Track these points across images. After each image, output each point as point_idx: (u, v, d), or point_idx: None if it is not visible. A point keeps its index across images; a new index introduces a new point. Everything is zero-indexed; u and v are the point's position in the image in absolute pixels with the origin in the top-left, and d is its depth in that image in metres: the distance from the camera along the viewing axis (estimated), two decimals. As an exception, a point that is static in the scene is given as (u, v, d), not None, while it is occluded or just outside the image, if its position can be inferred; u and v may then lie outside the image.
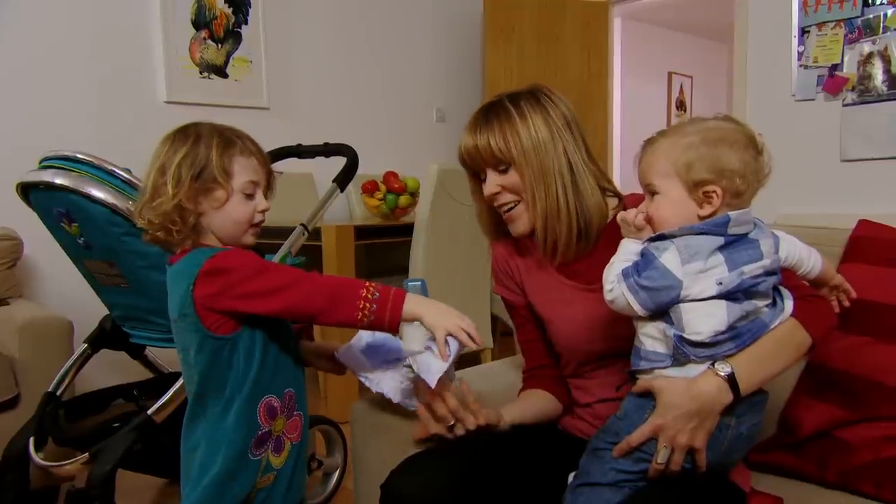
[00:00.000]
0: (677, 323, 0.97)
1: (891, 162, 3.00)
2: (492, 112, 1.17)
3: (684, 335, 0.96)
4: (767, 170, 1.00)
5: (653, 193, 1.01)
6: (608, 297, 1.00)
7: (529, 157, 1.14)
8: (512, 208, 1.19)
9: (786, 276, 1.06)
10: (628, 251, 1.02)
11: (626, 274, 0.99)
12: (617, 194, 1.24)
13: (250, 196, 1.09)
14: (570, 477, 1.06)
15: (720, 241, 0.96)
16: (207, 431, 1.08)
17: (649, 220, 1.01)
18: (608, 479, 1.00)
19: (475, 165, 1.21)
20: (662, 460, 0.97)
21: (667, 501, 0.97)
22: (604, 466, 1.01)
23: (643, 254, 0.99)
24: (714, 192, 0.96)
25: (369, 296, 1.02)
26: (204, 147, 1.05)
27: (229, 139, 1.08)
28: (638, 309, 0.98)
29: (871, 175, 3.05)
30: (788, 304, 1.02)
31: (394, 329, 1.04)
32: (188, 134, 1.07)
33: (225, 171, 1.06)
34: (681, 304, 0.96)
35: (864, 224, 1.33)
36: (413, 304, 1.04)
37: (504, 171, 1.17)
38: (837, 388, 1.22)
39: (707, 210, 0.97)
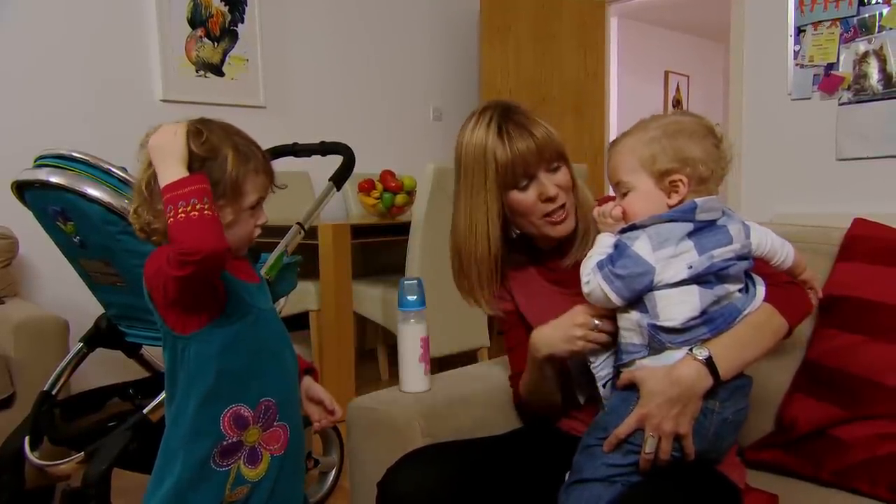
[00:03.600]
0: (651, 311, 0.99)
1: (886, 161, 3.01)
2: (514, 112, 1.16)
3: (658, 323, 0.99)
4: (729, 157, 1.05)
5: (624, 192, 1.05)
6: (585, 289, 1.03)
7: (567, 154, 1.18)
8: (563, 206, 1.18)
9: (761, 266, 1.09)
10: (603, 245, 1.05)
11: (600, 265, 1.02)
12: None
13: (253, 212, 1.05)
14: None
15: (689, 227, 0.99)
16: (165, 437, 1.05)
17: (623, 215, 1.05)
18: (599, 474, 1.00)
19: (529, 171, 1.15)
20: (651, 450, 0.98)
21: (661, 497, 0.97)
22: (595, 462, 1.01)
23: (616, 245, 1.02)
24: (680, 180, 1.01)
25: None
26: (220, 158, 0.99)
27: (245, 154, 1.02)
28: (614, 298, 1.00)
29: (867, 174, 3.06)
30: (760, 290, 1.05)
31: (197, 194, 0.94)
32: (198, 136, 0.99)
33: (238, 189, 1.01)
34: (654, 292, 0.99)
35: (859, 222, 1.33)
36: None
37: (556, 170, 1.17)
38: (833, 387, 1.22)
39: (675, 199, 1.02)
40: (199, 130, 1.00)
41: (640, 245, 0.99)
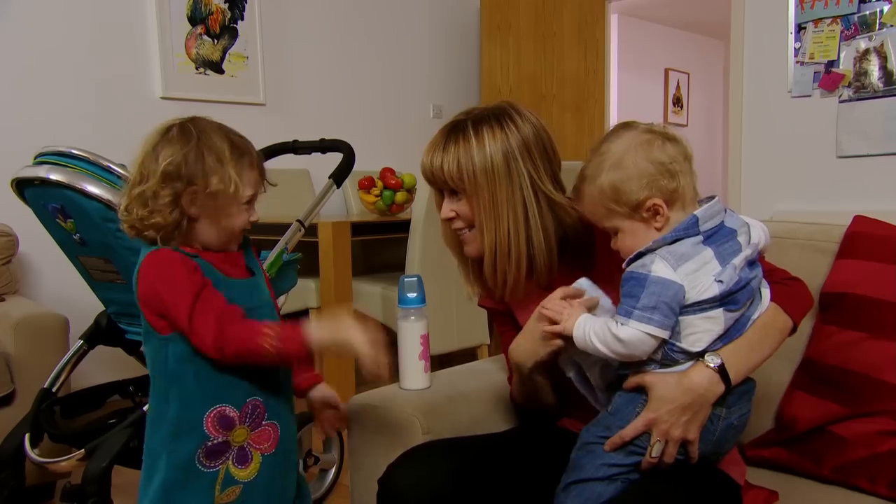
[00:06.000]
0: (674, 334, 0.96)
1: (886, 158, 3.00)
2: (452, 135, 1.13)
3: (682, 346, 0.97)
4: (684, 146, 0.99)
5: (613, 233, 1.02)
6: (624, 349, 0.95)
7: (481, 188, 1.10)
8: (465, 232, 1.17)
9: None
10: (590, 319, 1.00)
11: (625, 313, 0.95)
12: None
13: (248, 206, 1.07)
14: None
15: (699, 238, 0.96)
16: (147, 437, 1.05)
17: (624, 254, 1.01)
18: (600, 473, 1.00)
19: (433, 185, 1.19)
20: (657, 454, 0.98)
21: (662, 495, 0.97)
22: (595, 461, 1.01)
23: (629, 278, 0.97)
24: (654, 204, 0.97)
25: (270, 332, 1.00)
26: (217, 158, 1.01)
27: (241, 149, 1.05)
28: (662, 334, 0.94)
29: (867, 171, 3.05)
30: (766, 293, 1.04)
31: (302, 356, 1.04)
32: (190, 134, 1.01)
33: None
34: (681, 317, 0.96)
35: (859, 220, 1.33)
36: (316, 328, 1.03)
37: (458, 198, 1.15)
38: (833, 384, 1.22)
39: (660, 221, 0.98)
40: (188, 128, 1.02)
41: (659, 267, 0.94)
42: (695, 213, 0.97)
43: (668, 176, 0.96)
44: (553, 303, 1.05)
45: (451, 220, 1.17)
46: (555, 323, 1.04)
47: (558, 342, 1.05)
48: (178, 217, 1.00)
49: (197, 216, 1.02)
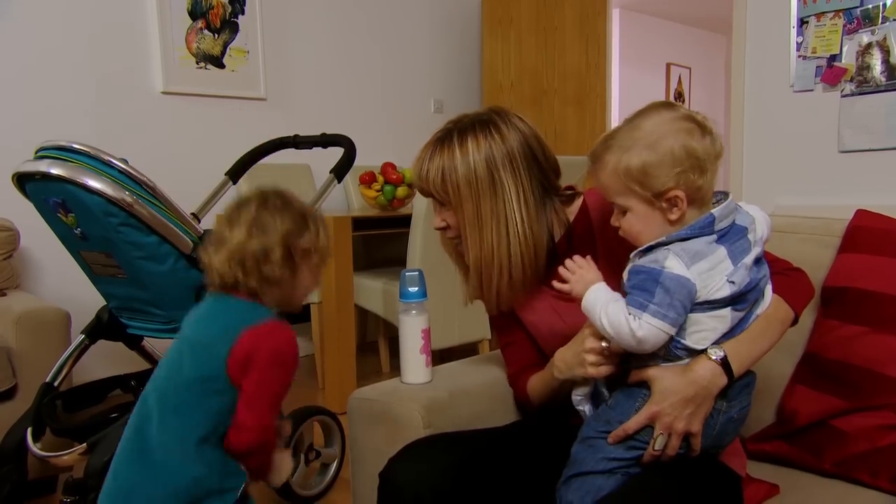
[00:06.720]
0: (680, 332, 0.96)
1: (888, 153, 3.00)
2: (438, 144, 1.13)
3: (687, 343, 0.97)
4: (718, 144, 0.95)
5: (622, 211, 0.99)
6: (637, 344, 0.93)
7: (465, 199, 1.10)
8: (458, 242, 1.17)
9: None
10: (606, 293, 0.98)
11: (639, 305, 0.92)
12: (580, 193, 1.22)
13: None
14: None
15: (713, 237, 0.95)
16: (195, 477, 1.03)
17: (625, 236, 1.00)
18: (600, 467, 1.00)
19: (423, 194, 1.19)
20: (660, 447, 0.98)
21: (663, 487, 0.97)
22: (596, 455, 1.01)
23: (639, 271, 0.95)
24: (676, 196, 0.93)
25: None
26: (313, 224, 1.13)
27: (320, 219, 1.16)
28: (673, 331, 0.94)
29: (869, 166, 3.05)
30: (768, 288, 1.03)
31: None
32: (289, 200, 1.12)
33: (327, 250, 1.16)
34: (690, 315, 0.95)
35: (861, 214, 1.33)
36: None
37: (447, 208, 1.15)
38: (834, 378, 1.22)
39: (676, 214, 0.94)
40: (291, 202, 1.13)
41: (672, 264, 0.92)
42: (712, 212, 0.95)
43: (699, 171, 0.92)
44: (570, 262, 1.03)
45: (443, 229, 1.17)
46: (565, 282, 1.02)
47: (591, 372, 1.03)
48: (287, 273, 1.09)
49: (302, 272, 1.12)
